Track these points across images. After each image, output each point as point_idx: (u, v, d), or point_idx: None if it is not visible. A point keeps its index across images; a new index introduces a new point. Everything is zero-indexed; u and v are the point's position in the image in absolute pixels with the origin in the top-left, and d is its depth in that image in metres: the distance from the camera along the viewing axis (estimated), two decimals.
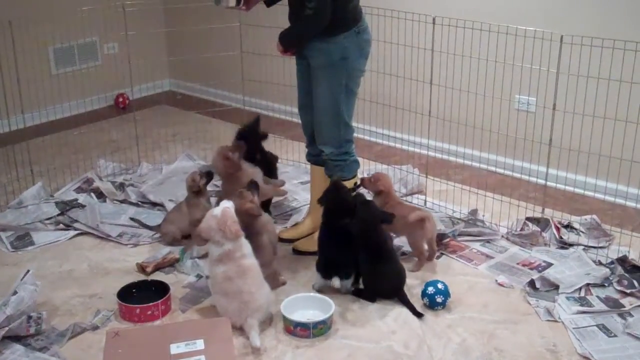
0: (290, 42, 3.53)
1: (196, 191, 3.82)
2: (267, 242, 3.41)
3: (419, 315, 3.20)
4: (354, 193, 3.57)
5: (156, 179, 4.59)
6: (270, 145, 4.52)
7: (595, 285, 3.40)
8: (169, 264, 3.61)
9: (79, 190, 4.40)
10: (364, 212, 3.34)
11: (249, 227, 3.34)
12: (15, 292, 3.10)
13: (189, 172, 3.97)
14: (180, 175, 4.47)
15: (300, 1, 3.32)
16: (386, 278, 3.29)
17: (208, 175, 3.86)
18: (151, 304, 3.18)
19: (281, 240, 3.75)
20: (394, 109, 4.57)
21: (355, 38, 3.45)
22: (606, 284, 3.41)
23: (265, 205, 3.94)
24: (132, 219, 3.97)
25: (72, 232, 3.96)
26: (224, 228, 3.06)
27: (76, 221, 4.03)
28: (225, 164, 3.71)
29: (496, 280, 3.48)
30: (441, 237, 3.79)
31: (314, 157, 3.81)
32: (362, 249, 3.32)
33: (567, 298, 3.31)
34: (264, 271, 3.22)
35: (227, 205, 3.15)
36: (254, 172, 3.76)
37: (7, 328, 2.97)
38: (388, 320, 3.19)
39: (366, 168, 4.62)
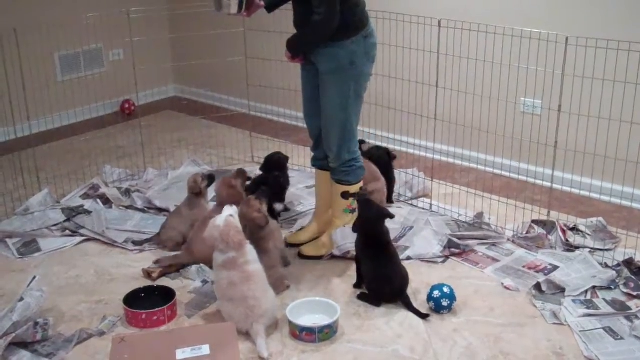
0: (298, 47, 3.53)
1: (197, 193, 3.86)
2: (273, 247, 3.41)
3: (424, 316, 3.20)
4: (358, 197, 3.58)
5: (162, 184, 4.60)
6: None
7: (601, 287, 3.39)
8: (174, 270, 3.62)
9: (85, 196, 4.41)
10: (366, 210, 3.35)
11: (256, 232, 3.35)
12: (21, 299, 3.10)
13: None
14: (186, 180, 4.48)
15: (307, 7, 3.33)
16: (390, 281, 3.29)
17: (210, 178, 3.89)
18: (157, 309, 3.19)
19: (287, 245, 3.75)
20: (399, 113, 4.57)
21: (363, 42, 3.46)
22: (612, 287, 3.40)
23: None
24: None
25: (78, 239, 3.97)
26: (227, 239, 3.05)
27: (82, 227, 4.04)
28: (229, 193, 3.66)
29: (502, 284, 3.47)
30: (451, 244, 3.78)
31: (320, 162, 3.81)
32: (365, 250, 3.32)
33: (574, 301, 3.30)
34: (270, 276, 3.23)
35: (231, 212, 3.14)
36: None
37: (13, 334, 2.98)
38: (394, 325, 3.18)
39: None
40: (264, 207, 3.41)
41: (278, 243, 3.47)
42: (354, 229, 3.38)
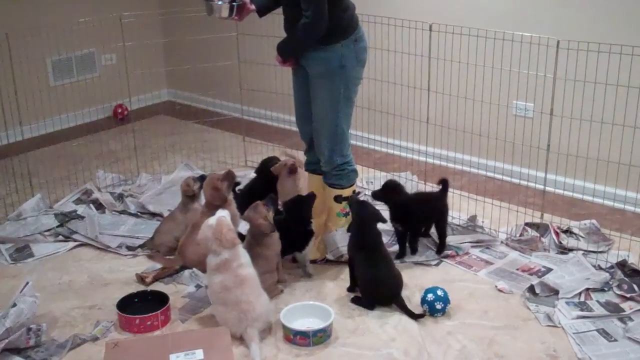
0: (288, 51, 3.54)
1: (191, 196, 3.86)
2: (271, 254, 3.40)
3: (418, 317, 3.20)
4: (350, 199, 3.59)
5: (155, 189, 4.59)
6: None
7: (595, 289, 3.40)
8: (168, 274, 3.61)
9: (78, 201, 4.41)
10: (360, 211, 3.37)
11: (257, 236, 3.35)
12: (14, 304, 3.09)
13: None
14: (179, 185, 4.47)
15: (296, 11, 3.33)
16: (383, 284, 3.29)
17: (201, 179, 3.87)
18: (151, 314, 3.18)
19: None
20: (392, 116, 4.58)
21: (353, 46, 3.46)
22: (606, 289, 3.41)
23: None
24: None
25: (71, 244, 3.96)
26: (219, 237, 3.06)
27: (75, 232, 4.03)
28: (213, 194, 3.64)
29: (496, 286, 3.48)
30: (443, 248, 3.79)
31: (313, 166, 3.82)
32: (358, 254, 3.33)
33: (567, 303, 3.31)
34: (264, 281, 3.22)
35: (223, 214, 3.15)
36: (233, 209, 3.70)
37: (6, 340, 2.97)
38: (388, 328, 3.18)
39: (365, 176, 4.63)
40: (270, 215, 3.40)
41: (277, 249, 3.46)
42: (349, 229, 3.39)
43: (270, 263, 3.39)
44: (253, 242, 3.34)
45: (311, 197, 3.61)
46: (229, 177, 3.71)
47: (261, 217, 3.36)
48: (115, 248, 3.90)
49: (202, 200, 3.86)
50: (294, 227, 3.53)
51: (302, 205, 3.58)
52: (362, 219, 3.35)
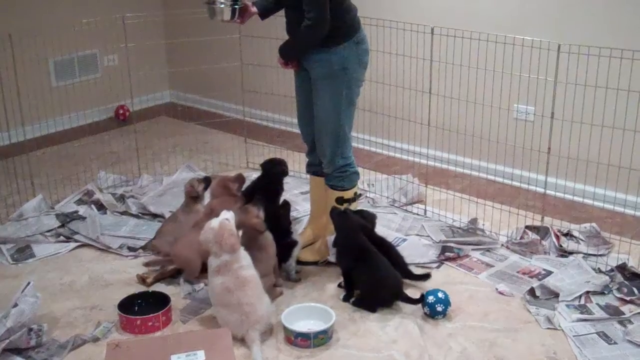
0: (290, 54, 3.55)
1: (194, 197, 3.86)
2: (267, 256, 3.41)
3: (415, 302, 3.24)
4: (353, 203, 3.59)
5: (156, 190, 4.60)
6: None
7: (595, 293, 3.41)
8: (169, 275, 3.61)
9: (80, 202, 4.41)
10: (342, 223, 3.39)
11: (252, 240, 3.35)
12: (15, 305, 3.10)
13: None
14: (180, 186, 4.47)
15: (298, 13, 3.34)
16: (385, 285, 3.30)
17: (206, 180, 3.88)
18: (152, 315, 3.19)
19: None
20: (393, 119, 4.58)
21: (355, 48, 3.47)
22: (606, 292, 3.41)
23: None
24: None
25: (72, 244, 3.96)
26: (220, 241, 3.06)
27: (77, 233, 4.04)
28: (223, 193, 3.64)
29: (496, 289, 3.49)
30: (445, 249, 3.80)
31: (314, 168, 3.83)
32: (353, 260, 3.33)
33: (567, 306, 3.31)
34: (264, 283, 3.23)
35: (227, 216, 3.14)
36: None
37: (7, 340, 2.97)
38: (389, 330, 3.19)
39: (366, 178, 4.64)
40: (261, 214, 3.41)
41: (273, 251, 3.46)
42: (335, 244, 3.40)
43: (267, 265, 3.39)
44: (249, 245, 3.33)
45: (286, 205, 3.63)
46: (240, 179, 3.73)
47: (253, 216, 3.37)
48: (117, 249, 3.90)
49: (205, 201, 3.87)
50: (275, 239, 3.49)
51: (279, 217, 3.57)
52: (345, 231, 3.37)
